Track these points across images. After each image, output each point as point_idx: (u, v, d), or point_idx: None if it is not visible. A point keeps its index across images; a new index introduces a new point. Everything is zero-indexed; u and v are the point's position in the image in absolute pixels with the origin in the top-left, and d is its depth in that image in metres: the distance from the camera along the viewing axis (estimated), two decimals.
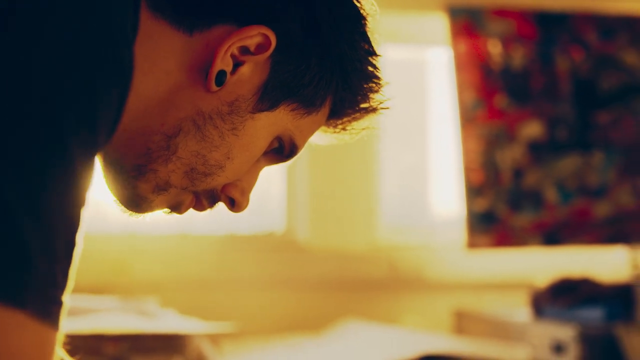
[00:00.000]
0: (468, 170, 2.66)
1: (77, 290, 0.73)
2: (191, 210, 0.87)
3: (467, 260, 2.79)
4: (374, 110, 0.90)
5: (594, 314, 2.35)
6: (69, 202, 0.63)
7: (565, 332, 2.26)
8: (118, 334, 1.69)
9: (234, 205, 0.88)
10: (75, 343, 0.86)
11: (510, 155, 2.69)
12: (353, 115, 0.91)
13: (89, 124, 0.64)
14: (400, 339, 2.21)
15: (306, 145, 0.90)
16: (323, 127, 0.92)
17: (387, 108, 0.91)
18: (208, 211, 0.88)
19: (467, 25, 2.68)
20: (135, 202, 0.83)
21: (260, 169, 0.90)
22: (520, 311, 2.63)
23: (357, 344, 2.25)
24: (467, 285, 2.81)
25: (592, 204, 2.72)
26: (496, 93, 2.69)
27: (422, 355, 2.03)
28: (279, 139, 0.87)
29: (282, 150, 0.88)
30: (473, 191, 2.65)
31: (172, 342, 1.75)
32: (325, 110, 0.88)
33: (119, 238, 2.54)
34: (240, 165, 0.84)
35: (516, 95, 2.70)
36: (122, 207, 0.85)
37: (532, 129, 2.71)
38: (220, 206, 0.88)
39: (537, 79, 2.73)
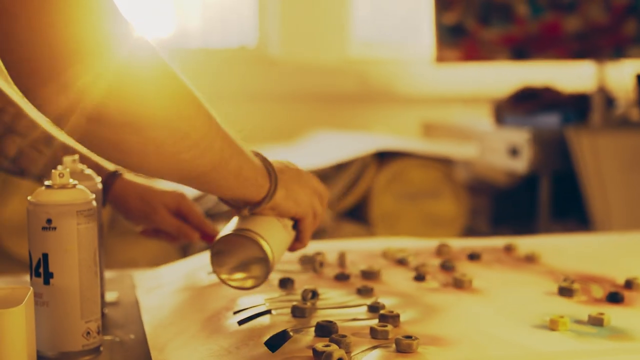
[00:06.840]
0: None
1: None
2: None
3: (435, 74, 2.84)
4: None
5: (551, 120, 2.43)
6: None
7: (520, 136, 2.35)
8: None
9: None
10: None
11: None
12: None
13: None
14: (359, 141, 2.30)
15: None
16: None
17: None
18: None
19: None
20: None
21: None
22: (484, 121, 2.71)
23: (319, 147, 2.35)
24: (435, 99, 2.88)
25: (562, 19, 2.73)
26: None
27: (376, 151, 2.13)
28: None
29: None
30: (443, 4, 2.67)
31: None
32: None
33: None
34: None
35: None
36: None
37: None
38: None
39: None
